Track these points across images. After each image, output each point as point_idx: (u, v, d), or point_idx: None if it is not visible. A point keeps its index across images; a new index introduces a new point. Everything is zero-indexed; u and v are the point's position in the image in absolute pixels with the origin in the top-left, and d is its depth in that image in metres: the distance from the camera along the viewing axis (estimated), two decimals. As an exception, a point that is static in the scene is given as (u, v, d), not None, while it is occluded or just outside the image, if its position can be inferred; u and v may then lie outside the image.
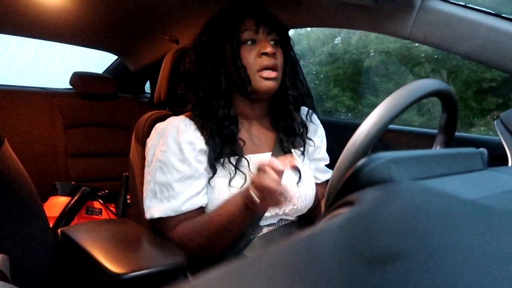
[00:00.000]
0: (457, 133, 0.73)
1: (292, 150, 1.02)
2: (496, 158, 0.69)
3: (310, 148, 1.07)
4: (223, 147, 0.92)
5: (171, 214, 0.89)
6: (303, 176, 0.98)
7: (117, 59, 2.35)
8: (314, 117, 1.11)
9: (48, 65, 3.15)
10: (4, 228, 0.82)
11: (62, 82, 2.38)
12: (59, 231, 0.93)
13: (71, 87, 2.15)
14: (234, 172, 0.91)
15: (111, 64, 2.42)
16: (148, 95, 2.49)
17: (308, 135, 1.07)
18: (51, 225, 1.43)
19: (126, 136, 2.16)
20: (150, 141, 0.96)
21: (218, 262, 0.87)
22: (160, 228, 0.91)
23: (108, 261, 0.75)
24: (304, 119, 1.08)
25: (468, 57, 0.93)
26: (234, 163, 0.92)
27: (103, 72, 2.43)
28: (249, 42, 0.92)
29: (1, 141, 0.83)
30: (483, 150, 0.54)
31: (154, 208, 0.90)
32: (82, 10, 1.57)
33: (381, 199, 0.34)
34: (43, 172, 1.89)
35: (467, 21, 0.89)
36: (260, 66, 0.91)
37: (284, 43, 0.98)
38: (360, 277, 0.21)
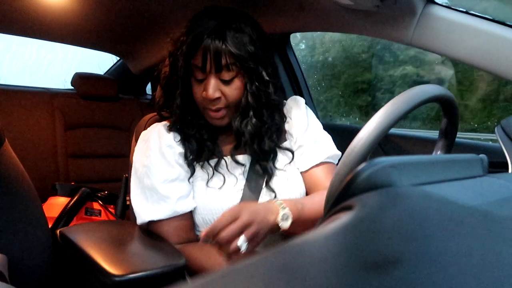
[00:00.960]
0: (457, 139, 0.72)
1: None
2: (497, 164, 0.69)
3: (291, 141, 1.01)
4: (199, 149, 0.93)
5: (161, 217, 0.89)
6: (289, 181, 0.96)
7: (118, 60, 2.36)
8: (297, 105, 1.03)
9: (50, 65, 3.16)
10: (3, 228, 0.82)
11: (63, 82, 2.39)
12: (58, 231, 0.92)
13: (72, 87, 2.15)
14: (212, 173, 0.92)
15: (112, 66, 2.42)
16: (149, 97, 2.49)
17: (288, 129, 1.01)
18: (50, 226, 1.43)
19: (127, 138, 2.16)
20: (136, 148, 0.98)
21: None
22: (159, 235, 0.92)
23: (106, 263, 0.75)
24: (287, 114, 1.01)
25: (469, 63, 0.93)
26: (212, 165, 0.93)
27: (105, 73, 2.43)
28: (198, 80, 0.90)
29: (2, 140, 0.83)
30: (483, 156, 0.53)
31: (144, 212, 0.90)
32: (84, 11, 1.57)
33: (381, 204, 0.34)
34: (43, 173, 1.89)
35: (468, 27, 0.90)
36: (204, 106, 0.91)
37: (248, 71, 0.89)
38: (359, 282, 0.21)
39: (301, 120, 1.00)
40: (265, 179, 0.95)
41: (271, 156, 0.97)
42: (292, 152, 0.98)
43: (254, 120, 0.92)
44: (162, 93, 0.97)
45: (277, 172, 0.97)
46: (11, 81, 2.10)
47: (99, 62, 2.56)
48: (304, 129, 1.00)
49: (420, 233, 0.28)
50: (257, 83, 0.90)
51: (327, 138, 1.02)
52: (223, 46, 0.85)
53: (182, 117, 0.94)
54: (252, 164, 0.96)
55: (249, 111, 0.92)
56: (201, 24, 0.88)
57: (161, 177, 0.90)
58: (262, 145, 0.94)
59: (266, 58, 0.92)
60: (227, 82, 0.89)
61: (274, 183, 0.95)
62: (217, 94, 0.88)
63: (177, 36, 0.93)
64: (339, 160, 0.99)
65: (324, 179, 0.96)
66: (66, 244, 0.88)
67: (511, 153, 0.71)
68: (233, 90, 0.90)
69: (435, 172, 0.45)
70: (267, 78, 0.91)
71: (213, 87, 0.88)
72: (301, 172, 0.99)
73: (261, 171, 0.95)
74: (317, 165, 0.97)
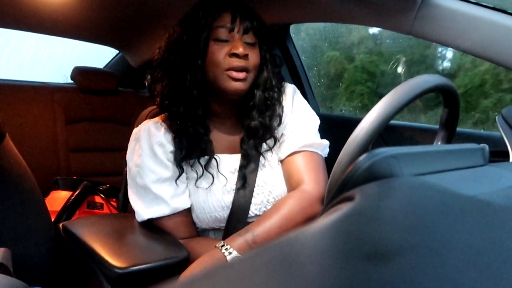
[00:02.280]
0: (458, 129, 0.72)
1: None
2: (498, 154, 0.69)
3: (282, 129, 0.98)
4: (190, 147, 0.91)
5: (158, 215, 0.89)
6: (275, 175, 0.95)
7: (118, 53, 2.35)
8: (289, 94, 1.00)
9: (49, 60, 3.15)
10: (6, 222, 0.82)
11: (63, 77, 2.38)
12: (60, 225, 0.93)
13: (72, 81, 2.15)
14: (202, 172, 0.91)
15: (112, 59, 2.41)
16: (149, 90, 2.48)
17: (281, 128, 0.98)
18: (52, 219, 1.43)
19: (127, 131, 2.14)
20: (129, 148, 0.96)
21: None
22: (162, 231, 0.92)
23: (109, 255, 0.76)
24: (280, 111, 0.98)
25: (470, 52, 0.93)
26: (203, 164, 0.91)
27: (104, 67, 2.42)
28: (221, 40, 0.89)
29: (3, 135, 0.83)
30: (484, 146, 0.53)
31: (142, 211, 0.90)
32: (83, 4, 1.56)
33: (382, 195, 0.34)
34: (45, 167, 1.89)
35: (469, 16, 0.89)
36: (228, 66, 0.88)
37: (265, 43, 0.95)
38: (360, 272, 0.21)
39: (286, 107, 0.98)
40: (256, 175, 0.94)
41: (267, 137, 0.95)
42: (275, 140, 0.96)
43: (277, 87, 0.96)
44: (162, 78, 0.94)
45: (268, 164, 0.97)
46: (11, 75, 2.10)
47: (93, 55, 2.55)
48: (287, 116, 0.98)
49: (421, 223, 0.28)
50: (272, 53, 0.96)
51: (311, 126, 0.97)
52: (248, 12, 0.91)
53: (173, 105, 0.92)
54: (243, 161, 0.95)
55: (272, 79, 0.95)
56: (211, 3, 0.91)
57: (154, 176, 0.89)
58: (268, 118, 0.95)
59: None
60: (251, 45, 0.91)
61: (266, 176, 0.95)
62: (246, 51, 0.88)
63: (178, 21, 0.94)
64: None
65: (299, 169, 0.91)
66: (68, 238, 0.88)
67: (512, 142, 0.70)
68: (255, 55, 0.91)
69: (436, 162, 0.45)
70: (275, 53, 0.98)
71: (242, 44, 0.88)
72: (280, 161, 0.96)
73: (253, 166, 0.94)
74: (293, 154, 0.93)
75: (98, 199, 1.66)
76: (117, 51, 2.33)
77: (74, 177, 1.77)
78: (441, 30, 0.94)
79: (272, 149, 0.97)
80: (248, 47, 0.90)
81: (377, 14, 1.04)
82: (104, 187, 1.68)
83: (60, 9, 1.60)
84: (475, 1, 0.90)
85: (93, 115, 2.09)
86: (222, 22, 0.89)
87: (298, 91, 1.03)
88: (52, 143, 1.96)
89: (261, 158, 0.96)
